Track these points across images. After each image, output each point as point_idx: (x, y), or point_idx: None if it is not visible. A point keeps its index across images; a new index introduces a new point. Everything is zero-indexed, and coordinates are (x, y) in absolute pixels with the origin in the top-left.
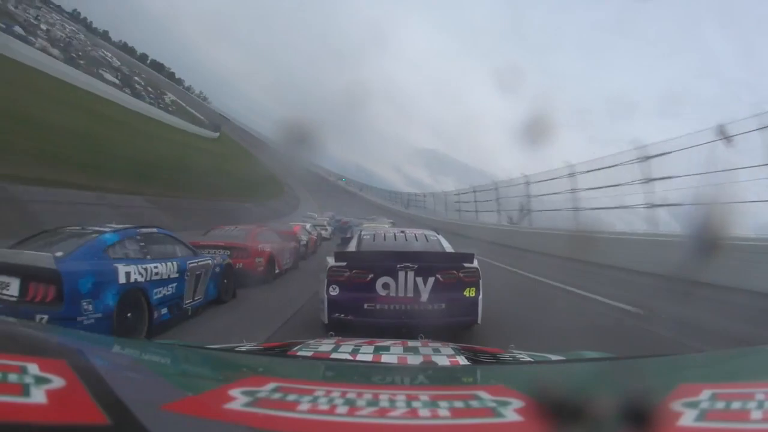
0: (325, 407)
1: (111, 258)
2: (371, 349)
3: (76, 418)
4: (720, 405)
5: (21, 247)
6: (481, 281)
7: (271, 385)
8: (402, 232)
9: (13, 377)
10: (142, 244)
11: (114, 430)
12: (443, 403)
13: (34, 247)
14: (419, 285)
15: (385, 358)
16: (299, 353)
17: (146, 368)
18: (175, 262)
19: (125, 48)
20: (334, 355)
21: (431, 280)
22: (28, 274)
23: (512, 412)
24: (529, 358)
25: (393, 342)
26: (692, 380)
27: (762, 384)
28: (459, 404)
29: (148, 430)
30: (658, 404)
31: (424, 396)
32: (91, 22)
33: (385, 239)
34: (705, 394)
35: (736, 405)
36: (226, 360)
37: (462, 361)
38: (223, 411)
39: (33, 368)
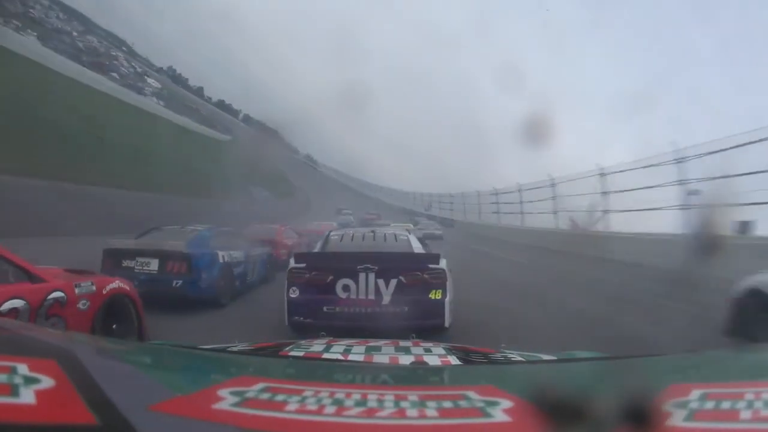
0: (313, 407)
1: (212, 246)
2: (363, 349)
3: (65, 418)
4: (709, 405)
5: (145, 239)
6: (448, 283)
7: (260, 386)
8: (372, 231)
9: (2, 377)
10: (224, 237)
11: (102, 430)
12: (431, 403)
13: (157, 239)
14: (381, 287)
15: (377, 359)
16: (291, 353)
17: (136, 368)
18: (242, 251)
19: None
20: (325, 356)
21: (394, 281)
22: (165, 256)
23: (501, 412)
24: (520, 358)
25: (384, 342)
26: (682, 380)
27: (752, 384)
28: (447, 404)
29: (137, 430)
30: (648, 404)
31: (413, 396)
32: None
33: (352, 239)
34: (695, 394)
35: (725, 405)
36: (216, 360)
37: (453, 360)
38: (212, 411)
39: (23, 368)
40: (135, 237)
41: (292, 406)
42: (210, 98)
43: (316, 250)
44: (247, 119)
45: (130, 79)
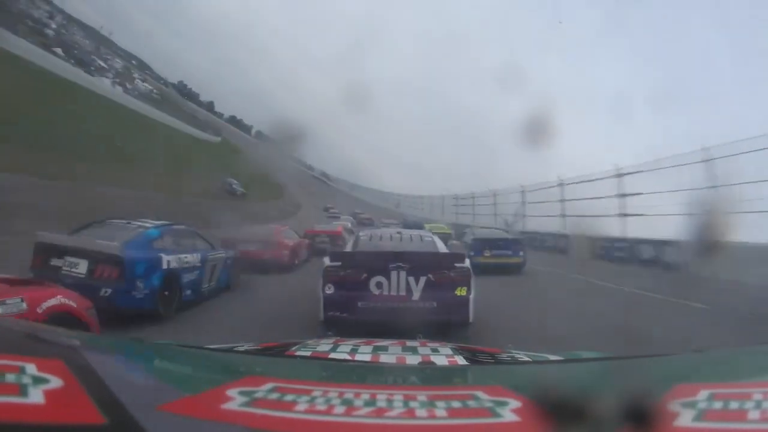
0: (322, 407)
1: (156, 248)
2: (370, 349)
3: (74, 418)
4: (717, 405)
5: (80, 235)
6: (472, 281)
7: (269, 385)
8: (398, 233)
9: (11, 377)
10: (176, 237)
11: (111, 430)
12: (440, 403)
13: (93, 236)
14: (411, 284)
15: (384, 358)
16: (298, 353)
17: (144, 368)
18: (198, 254)
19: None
20: (332, 355)
21: (423, 279)
22: (96, 258)
23: (509, 412)
24: (527, 358)
25: (391, 342)
26: (689, 380)
27: (759, 384)
28: (456, 404)
29: (145, 430)
30: (655, 404)
31: (422, 396)
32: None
33: (381, 239)
34: (702, 394)
35: (733, 405)
36: (223, 360)
37: (460, 360)
38: (220, 411)
39: (31, 368)
40: (70, 231)
41: (301, 406)
42: (222, 113)
43: (347, 249)
44: (234, 120)
45: (126, 79)
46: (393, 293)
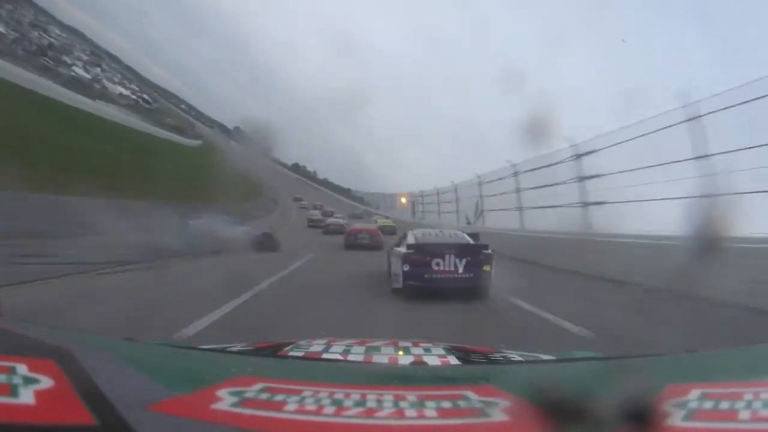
0: (312, 407)
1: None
2: (362, 349)
3: (64, 419)
4: (708, 405)
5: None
6: (493, 261)
7: (259, 386)
8: (441, 231)
9: (2, 378)
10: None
11: (101, 431)
12: (430, 403)
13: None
14: (457, 263)
15: (376, 359)
16: (290, 354)
17: (134, 368)
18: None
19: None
20: (325, 356)
21: (464, 260)
22: None
23: (499, 411)
24: (519, 358)
25: (384, 342)
26: (681, 380)
27: (751, 384)
28: (446, 404)
29: (135, 430)
30: (647, 404)
31: (412, 396)
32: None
33: (431, 236)
34: (694, 393)
35: (724, 405)
36: (214, 360)
37: (453, 360)
38: (210, 411)
39: (22, 368)
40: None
41: (291, 407)
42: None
43: (411, 242)
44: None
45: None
46: (446, 269)
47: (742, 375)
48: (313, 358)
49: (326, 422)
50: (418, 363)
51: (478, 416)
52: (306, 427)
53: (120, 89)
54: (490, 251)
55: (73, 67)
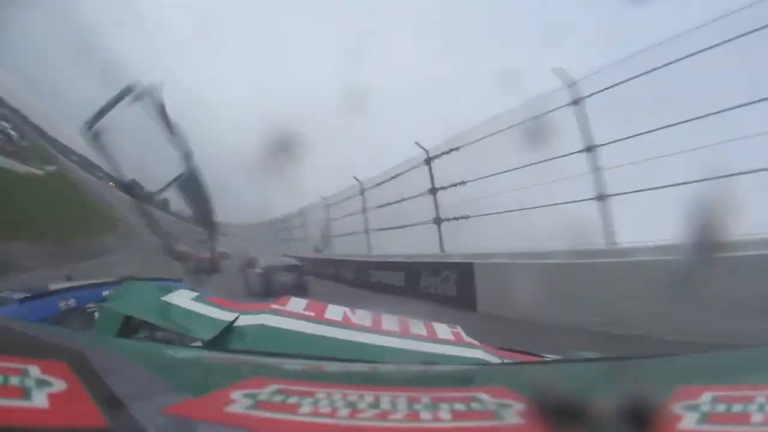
0: (326, 410)
1: None
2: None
3: (78, 422)
4: (721, 408)
5: None
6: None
7: (273, 387)
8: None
9: (14, 380)
10: None
11: None
12: (444, 405)
13: None
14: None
15: (386, 323)
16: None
17: (147, 371)
18: None
19: None
20: (331, 325)
21: (292, 274)
22: None
23: (513, 414)
24: (531, 359)
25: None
26: (691, 382)
27: (763, 386)
28: (460, 406)
29: None
30: (658, 407)
31: (426, 398)
32: None
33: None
34: (705, 396)
35: (737, 408)
36: (226, 361)
37: (462, 334)
38: (224, 414)
39: (34, 371)
40: None
41: (305, 409)
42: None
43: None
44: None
45: None
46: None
47: (754, 377)
48: (326, 358)
49: (341, 425)
50: (430, 330)
51: (492, 419)
52: (322, 430)
53: None
54: (306, 268)
55: None
